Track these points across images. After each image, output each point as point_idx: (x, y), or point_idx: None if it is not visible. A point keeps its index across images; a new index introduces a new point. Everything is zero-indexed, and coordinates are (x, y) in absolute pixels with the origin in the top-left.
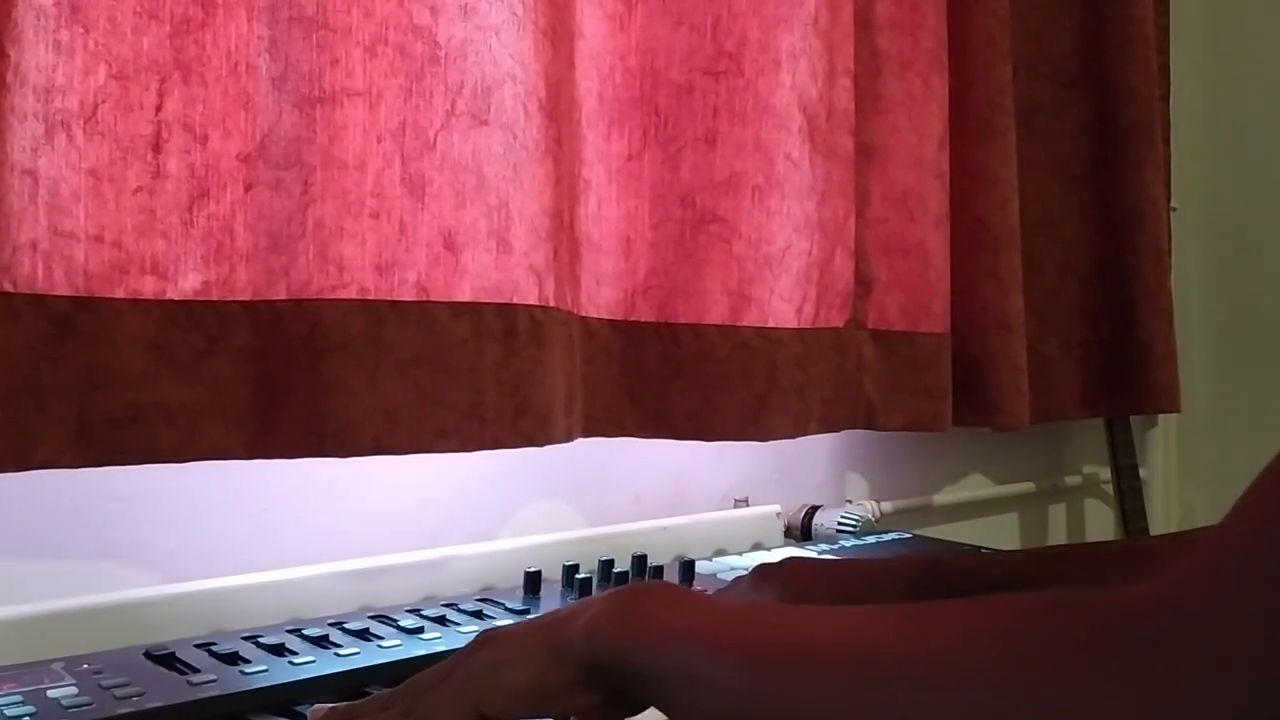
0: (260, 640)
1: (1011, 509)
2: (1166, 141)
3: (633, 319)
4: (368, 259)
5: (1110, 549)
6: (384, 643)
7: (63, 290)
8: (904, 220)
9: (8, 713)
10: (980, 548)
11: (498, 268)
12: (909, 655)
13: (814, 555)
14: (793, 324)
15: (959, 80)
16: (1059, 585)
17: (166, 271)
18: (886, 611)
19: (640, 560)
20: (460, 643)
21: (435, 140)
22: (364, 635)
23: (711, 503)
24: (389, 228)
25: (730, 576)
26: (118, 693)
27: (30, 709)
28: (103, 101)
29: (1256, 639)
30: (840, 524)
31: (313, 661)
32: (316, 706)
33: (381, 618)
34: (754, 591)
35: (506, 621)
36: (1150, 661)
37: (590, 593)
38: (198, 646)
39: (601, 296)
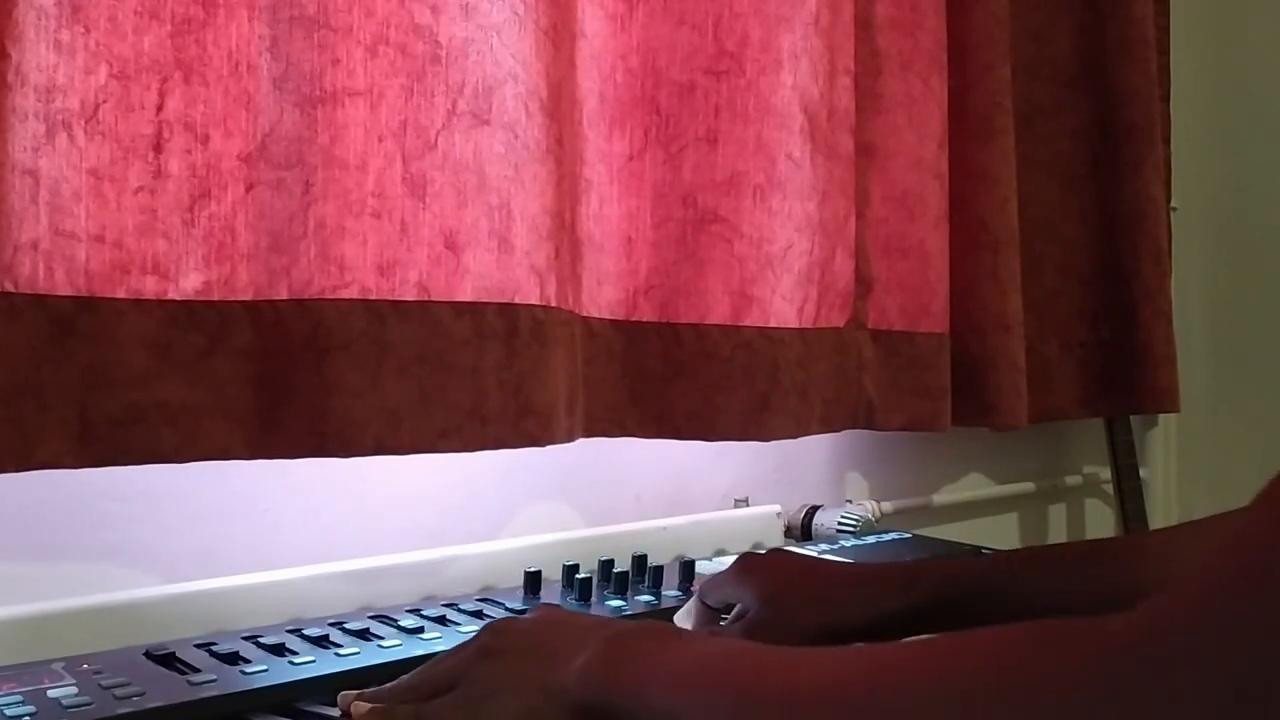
0: (260, 640)
1: (1011, 509)
2: (1166, 141)
3: (634, 319)
4: (369, 259)
5: (1102, 548)
6: (384, 643)
7: (64, 290)
8: (904, 220)
9: (8, 713)
10: (980, 548)
11: (499, 267)
12: (890, 700)
13: (800, 550)
14: (794, 324)
15: (959, 80)
16: (1047, 591)
17: (168, 271)
18: (867, 653)
19: (640, 560)
20: (460, 643)
21: (436, 140)
22: (364, 635)
23: (711, 503)
24: (390, 227)
25: None
26: (118, 693)
27: (30, 709)
28: (104, 101)
29: (1235, 668)
30: (840, 524)
31: (313, 661)
32: (344, 694)
33: (381, 618)
34: (736, 585)
35: None
36: (1130, 690)
37: (590, 593)
38: (198, 646)
39: (603, 296)
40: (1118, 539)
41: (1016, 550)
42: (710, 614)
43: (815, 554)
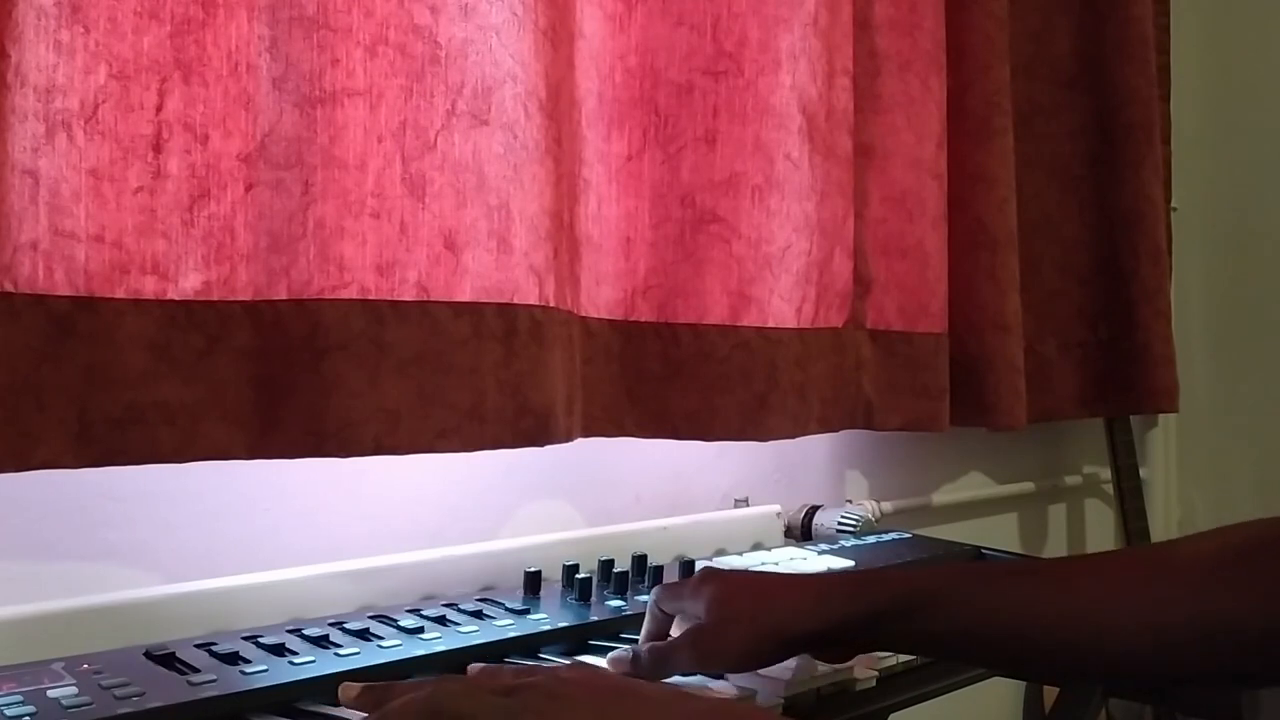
0: (260, 640)
1: (1011, 509)
2: (1166, 141)
3: (633, 319)
4: (368, 259)
5: (1038, 569)
6: (384, 643)
7: (63, 290)
8: (902, 220)
9: (8, 713)
10: (980, 548)
11: (498, 268)
12: None
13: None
14: (792, 324)
15: (957, 81)
16: (986, 609)
17: (167, 271)
18: None
19: (640, 560)
20: (460, 643)
21: (436, 140)
22: (364, 635)
23: (711, 503)
24: (389, 228)
25: None
26: (118, 693)
27: (30, 709)
28: (103, 101)
29: None
30: (840, 524)
31: (313, 661)
32: (345, 685)
33: (381, 618)
34: (692, 597)
35: (507, 622)
36: None
37: (590, 593)
38: (198, 646)
39: (601, 296)
40: (1056, 562)
41: (965, 565)
42: (665, 621)
43: (814, 552)
